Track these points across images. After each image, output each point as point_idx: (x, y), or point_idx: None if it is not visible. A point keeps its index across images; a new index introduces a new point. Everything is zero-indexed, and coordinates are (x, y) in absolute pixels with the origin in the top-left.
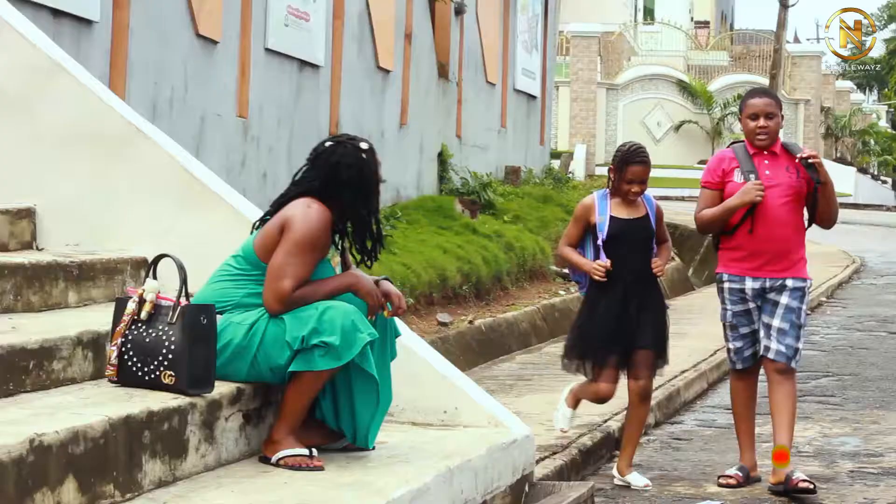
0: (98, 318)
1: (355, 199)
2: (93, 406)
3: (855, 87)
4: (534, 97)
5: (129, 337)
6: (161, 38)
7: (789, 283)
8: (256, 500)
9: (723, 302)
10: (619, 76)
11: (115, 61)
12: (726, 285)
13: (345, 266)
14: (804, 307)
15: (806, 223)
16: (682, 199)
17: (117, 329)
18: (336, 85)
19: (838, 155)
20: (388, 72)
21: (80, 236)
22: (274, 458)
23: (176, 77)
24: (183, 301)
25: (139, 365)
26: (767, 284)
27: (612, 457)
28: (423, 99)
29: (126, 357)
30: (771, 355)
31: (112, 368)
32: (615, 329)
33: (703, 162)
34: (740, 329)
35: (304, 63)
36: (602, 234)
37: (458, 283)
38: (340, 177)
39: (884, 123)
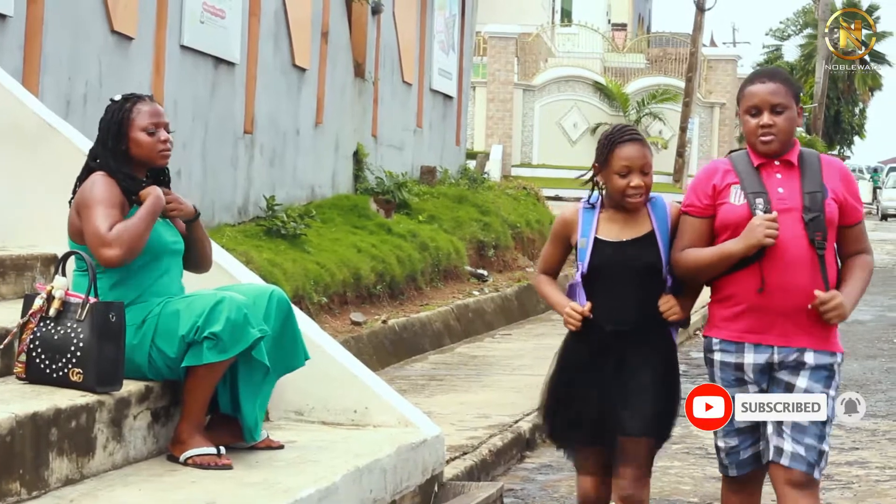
0: (6, 314)
1: (102, 150)
2: None
3: None
4: (450, 97)
5: (38, 334)
6: (75, 33)
7: (810, 357)
8: (164, 498)
9: (712, 379)
10: (536, 77)
11: (28, 56)
12: (717, 357)
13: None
14: (832, 391)
15: (838, 264)
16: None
17: (25, 326)
18: (251, 83)
19: None
20: (304, 70)
21: None
22: (182, 458)
23: (90, 73)
24: (92, 298)
25: (47, 362)
26: (777, 358)
27: (523, 457)
28: (339, 98)
29: (34, 354)
30: (784, 461)
31: (20, 366)
32: (591, 403)
33: None
34: (735, 420)
35: (219, 60)
36: (582, 266)
37: (372, 282)
38: (98, 137)
39: (799, 129)
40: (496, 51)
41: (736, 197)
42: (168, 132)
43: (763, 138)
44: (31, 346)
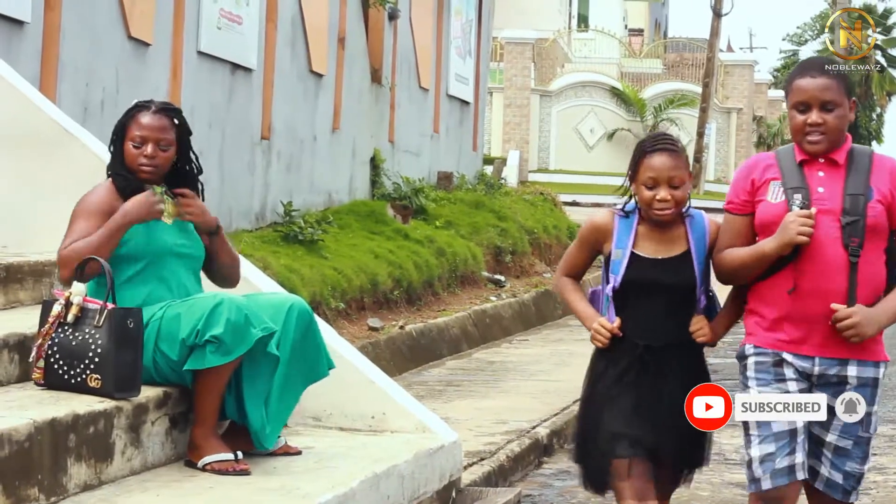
0: (25, 320)
1: (110, 147)
2: (18, 409)
3: None
4: (467, 103)
5: (56, 340)
6: (93, 39)
7: (853, 371)
8: (182, 503)
9: (745, 384)
10: (553, 83)
11: (46, 63)
12: (750, 359)
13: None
14: (875, 407)
15: (886, 273)
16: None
17: (43, 332)
18: (268, 89)
19: None
20: (320, 76)
21: (8, 238)
22: (200, 464)
23: (107, 79)
24: (109, 305)
25: (65, 368)
26: (817, 370)
27: (540, 463)
28: (355, 103)
29: (52, 360)
30: (818, 485)
31: (38, 371)
32: (629, 417)
33: None
34: (773, 424)
35: (236, 66)
36: (615, 280)
37: (390, 288)
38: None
39: None
40: (513, 56)
41: (774, 194)
42: (162, 149)
43: (810, 137)
44: (50, 352)
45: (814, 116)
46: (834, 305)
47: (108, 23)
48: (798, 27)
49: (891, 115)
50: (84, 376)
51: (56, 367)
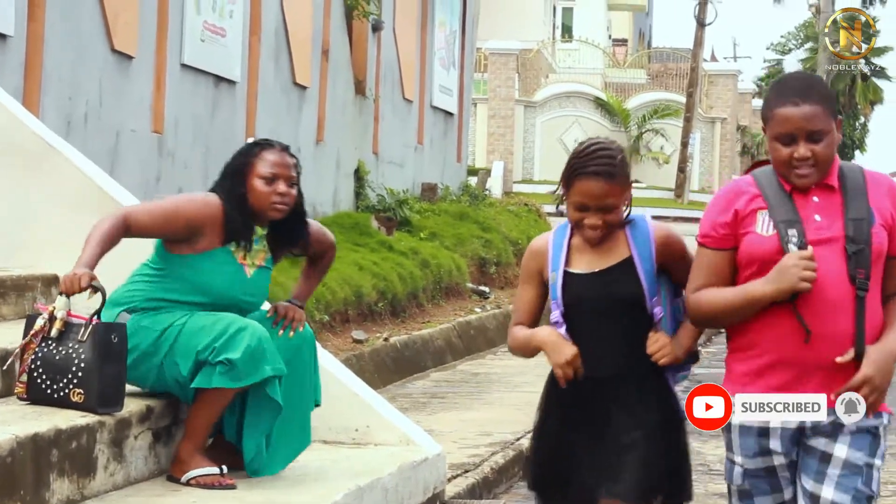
0: (7, 335)
1: (221, 186)
2: (0, 424)
3: None
4: (451, 114)
5: (40, 354)
6: (76, 52)
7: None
8: None
9: (729, 449)
10: (537, 93)
11: (29, 76)
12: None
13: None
14: (879, 461)
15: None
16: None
17: (27, 346)
18: (252, 101)
19: None
20: (304, 88)
21: None
22: (184, 478)
23: (91, 92)
24: (95, 319)
25: (48, 382)
26: (809, 421)
27: (525, 474)
28: (339, 115)
29: (35, 374)
30: None
31: (21, 386)
32: (578, 461)
33: None
34: (756, 499)
35: (220, 79)
36: (555, 306)
37: (374, 300)
38: (219, 176)
39: None
40: (497, 67)
41: (764, 226)
42: (291, 186)
43: (799, 171)
44: (33, 366)
45: (801, 150)
46: (840, 360)
47: (92, 35)
48: (782, 36)
49: (874, 125)
50: (67, 391)
51: (39, 381)
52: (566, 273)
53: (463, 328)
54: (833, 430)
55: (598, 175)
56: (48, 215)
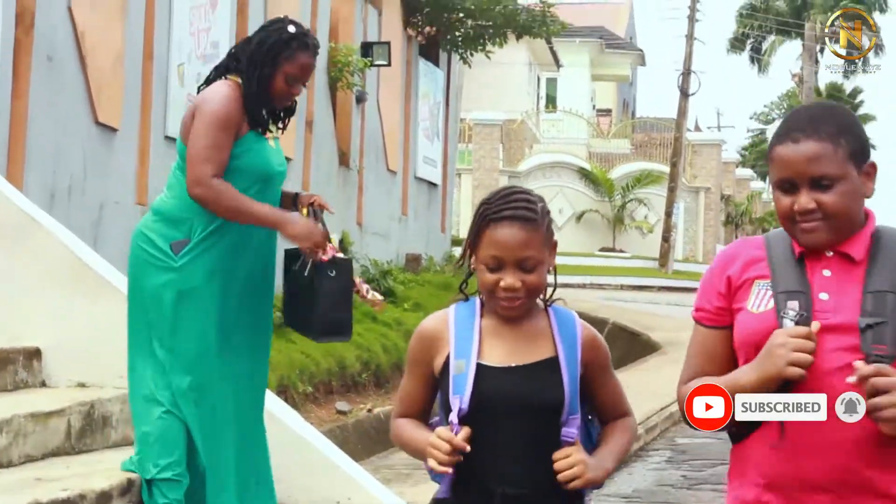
0: None
1: (248, 63)
2: None
3: (755, 175)
4: (435, 185)
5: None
6: (60, 126)
7: None
8: None
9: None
10: (521, 163)
11: (13, 151)
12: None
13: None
14: None
15: None
16: (584, 286)
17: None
18: None
19: None
20: (289, 160)
21: None
22: None
23: (75, 165)
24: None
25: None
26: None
27: None
28: (324, 186)
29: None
30: None
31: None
32: None
33: (605, 250)
34: None
35: None
36: (461, 401)
37: (358, 371)
38: (248, 46)
39: None
40: (481, 137)
41: (758, 300)
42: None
43: (804, 226)
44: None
45: (803, 200)
46: (850, 380)
47: (75, 108)
48: (765, 106)
49: None
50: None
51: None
52: (479, 367)
53: None
54: None
55: (514, 220)
56: (31, 288)
